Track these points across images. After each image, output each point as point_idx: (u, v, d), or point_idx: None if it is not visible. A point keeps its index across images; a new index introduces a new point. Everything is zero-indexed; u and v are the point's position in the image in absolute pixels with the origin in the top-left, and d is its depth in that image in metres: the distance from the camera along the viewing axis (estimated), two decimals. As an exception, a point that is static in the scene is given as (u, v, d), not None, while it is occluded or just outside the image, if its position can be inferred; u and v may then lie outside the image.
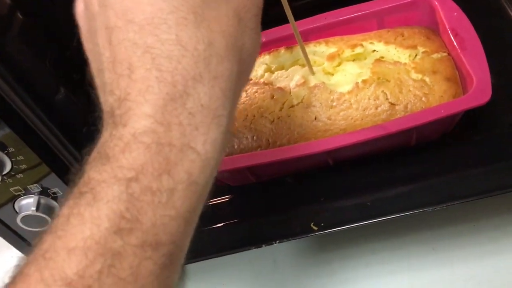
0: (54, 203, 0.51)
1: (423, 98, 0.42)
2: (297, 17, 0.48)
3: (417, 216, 0.48)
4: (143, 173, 0.21)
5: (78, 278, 0.20)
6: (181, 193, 0.22)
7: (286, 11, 0.40)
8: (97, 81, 0.26)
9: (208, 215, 0.46)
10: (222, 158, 0.25)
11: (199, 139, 0.23)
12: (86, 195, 0.21)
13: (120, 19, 0.24)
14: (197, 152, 0.23)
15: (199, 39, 0.23)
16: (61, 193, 0.50)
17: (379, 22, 0.49)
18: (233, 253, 0.42)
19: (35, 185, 0.49)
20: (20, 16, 0.46)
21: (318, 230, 0.41)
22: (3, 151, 0.45)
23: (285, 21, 0.42)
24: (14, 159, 0.46)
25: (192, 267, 0.52)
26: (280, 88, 0.45)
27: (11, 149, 0.45)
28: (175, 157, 0.22)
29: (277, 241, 0.41)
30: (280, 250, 0.52)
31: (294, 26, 0.42)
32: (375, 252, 0.50)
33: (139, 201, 0.21)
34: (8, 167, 0.46)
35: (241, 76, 0.26)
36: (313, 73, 0.45)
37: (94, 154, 0.23)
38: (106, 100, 0.24)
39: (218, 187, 0.47)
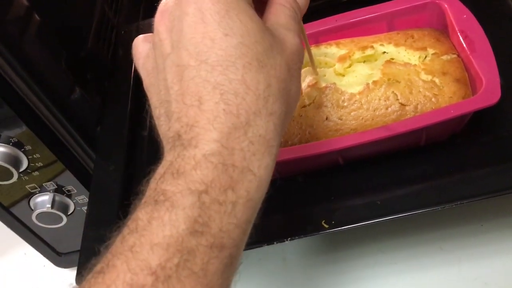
0: (68, 200, 0.52)
1: (433, 99, 0.42)
2: (308, 19, 0.49)
3: (426, 216, 0.48)
4: (212, 187, 0.25)
5: (160, 269, 0.24)
6: (241, 206, 0.26)
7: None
8: (159, 111, 0.30)
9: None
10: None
11: (256, 164, 0.27)
12: (165, 203, 0.25)
13: (193, 59, 0.28)
14: (254, 174, 0.27)
15: (260, 81, 0.28)
16: (75, 191, 0.51)
17: (389, 25, 0.49)
18: (245, 249, 0.43)
19: (50, 182, 0.50)
20: (37, 18, 0.47)
21: (329, 228, 0.41)
22: (20, 149, 0.46)
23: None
24: (30, 156, 0.47)
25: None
26: (291, 89, 0.45)
27: (27, 147, 0.46)
28: (237, 177, 0.26)
29: (289, 239, 0.42)
30: (289, 248, 0.53)
31: (302, 29, 0.42)
32: (384, 251, 0.50)
33: (209, 209, 0.25)
34: (24, 164, 0.47)
35: (286, 116, 0.30)
36: (316, 73, 0.46)
37: (161, 170, 0.27)
38: (172, 126, 0.28)
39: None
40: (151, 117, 0.31)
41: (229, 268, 0.26)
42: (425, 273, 0.48)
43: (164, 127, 0.29)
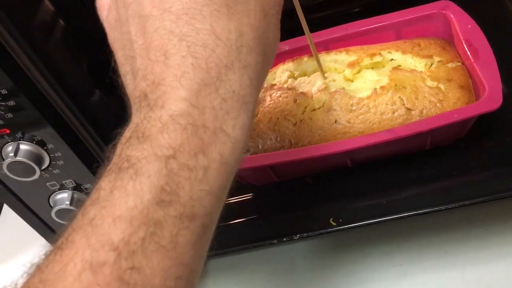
0: (86, 198, 0.53)
1: (438, 104, 0.44)
2: (320, 27, 0.51)
3: (430, 220, 0.49)
4: (181, 152, 0.23)
5: (123, 244, 0.21)
6: (214, 171, 0.23)
7: (301, 21, 0.42)
8: (125, 68, 0.27)
9: (231, 211, 0.48)
10: (247, 143, 0.26)
11: (230, 123, 0.24)
12: (128, 170, 0.23)
13: (156, 8, 0.25)
14: (228, 135, 0.24)
15: (231, 30, 0.25)
16: (93, 189, 0.53)
17: (397, 33, 0.51)
18: (255, 246, 0.44)
19: (69, 180, 0.51)
20: (62, 23, 0.49)
21: (336, 226, 0.43)
22: (42, 147, 0.48)
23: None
24: (52, 155, 0.48)
25: (211, 264, 0.54)
26: (302, 93, 0.47)
27: (50, 146, 0.47)
28: (208, 139, 0.23)
29: (298, 235, 0.43)
30: (297, 250, 0.54)
31: (308, 35, 0.44)
32: (389, 254, 0.51)
33: (178, 176, 0.23)
34: (46, 162, 0.48)
35: (264, 68, 0.27)
36: (324, 77, 0.47)
37: (127, 134, 0.24)
38: (137, 85, 0.25)
39: (241, 186, 0.49)
40: (118, 75, 0.28)
41: (202, 238, 0.23)
42: (429, 275, 0.49)
43: (131, 86, 0.26)
